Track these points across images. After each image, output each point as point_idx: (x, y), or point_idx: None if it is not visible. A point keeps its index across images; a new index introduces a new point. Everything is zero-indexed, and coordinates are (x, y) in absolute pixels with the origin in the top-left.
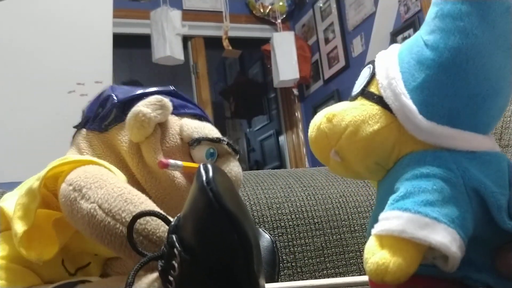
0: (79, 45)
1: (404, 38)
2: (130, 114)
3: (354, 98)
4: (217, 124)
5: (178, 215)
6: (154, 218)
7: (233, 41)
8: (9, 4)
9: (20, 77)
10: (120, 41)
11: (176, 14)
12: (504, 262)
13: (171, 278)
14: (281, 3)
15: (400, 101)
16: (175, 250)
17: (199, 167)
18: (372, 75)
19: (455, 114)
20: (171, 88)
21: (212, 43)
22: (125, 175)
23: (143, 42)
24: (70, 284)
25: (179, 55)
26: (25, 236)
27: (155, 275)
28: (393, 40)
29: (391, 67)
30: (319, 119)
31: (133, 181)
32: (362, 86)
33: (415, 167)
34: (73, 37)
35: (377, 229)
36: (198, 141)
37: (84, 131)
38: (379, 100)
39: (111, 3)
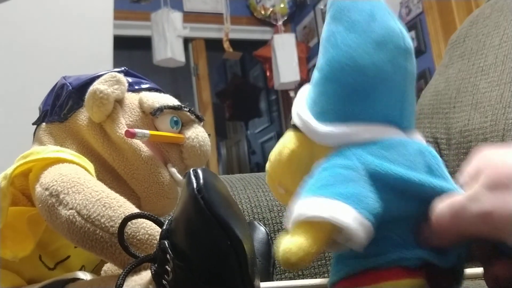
0: (79, 47)
1: None
2: (87, 95)
3: None
4: (217, 126)
5: (169, 218)
6: (135, 220)
7: (234, 43)
8: (8, 6)
9: (19, 78)
10: (121, 43)
11: (177, 16)
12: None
13: (165, 282)
14: (282, 5)
15: (301, 118)
16: (167, 255)
17: (189, 172)
18: None
19: (344, 113)
20: (123, 68)
21: (213, 45)
22: (91, 160)
23: (144, 44)
24: (59, 283)
25: (180, 57)
26: None
27: (148, 276)
28: None
29: (298, 97)
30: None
31: (100, 164)
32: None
33: (318, 167)
34: (73, 38)
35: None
36: (161, 109)
37: (43, 125)
38: (293, 126)
39: (112, 5)
